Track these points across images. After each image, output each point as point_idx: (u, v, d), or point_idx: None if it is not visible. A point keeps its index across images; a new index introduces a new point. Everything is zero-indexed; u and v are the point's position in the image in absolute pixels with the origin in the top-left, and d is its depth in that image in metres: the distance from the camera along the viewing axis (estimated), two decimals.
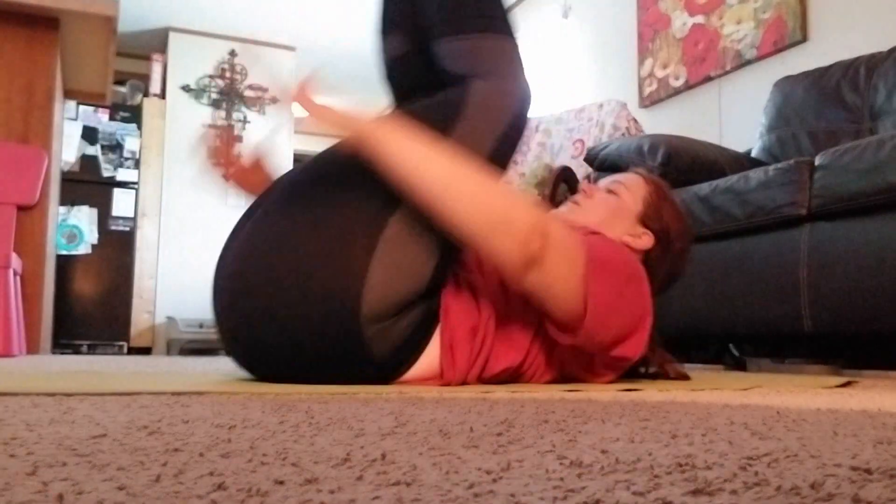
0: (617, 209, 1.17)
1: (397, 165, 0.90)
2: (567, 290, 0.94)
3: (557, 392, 0.90)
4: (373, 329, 0.92)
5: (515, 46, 1.04)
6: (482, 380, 1.02)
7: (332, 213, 0.94)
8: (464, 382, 1.01)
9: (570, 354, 1.04)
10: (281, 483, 0.30)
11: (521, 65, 1.05)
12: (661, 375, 1.24)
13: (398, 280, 0.92)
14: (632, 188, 1.20)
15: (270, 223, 0.96)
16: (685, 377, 1.25)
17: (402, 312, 0.94)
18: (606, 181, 1.24)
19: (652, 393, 0.92)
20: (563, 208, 1.23)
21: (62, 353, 3.89)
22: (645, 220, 1.17)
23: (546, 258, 0.91)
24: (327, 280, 0.90)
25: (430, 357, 0.98)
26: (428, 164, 0.90)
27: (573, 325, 0.96)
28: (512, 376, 1.04)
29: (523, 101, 1.04)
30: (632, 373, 1.24)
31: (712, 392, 0.97)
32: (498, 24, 1.03)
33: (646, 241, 1.16)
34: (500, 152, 1.00)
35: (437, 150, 0.91)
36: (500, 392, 0.87)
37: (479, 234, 0.90)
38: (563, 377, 1.08)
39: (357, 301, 0.90)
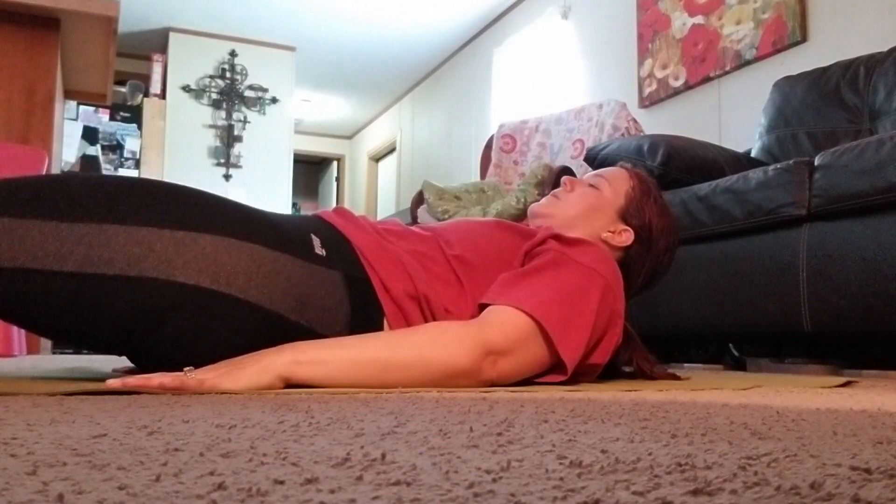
0: (597, 203, 1.16)
1: (328, 381, 0.84)
2: (535, 363, 0.97)
3: (557, 392, 0.90)
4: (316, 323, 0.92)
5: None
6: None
7: None
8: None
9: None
10: (281, 483, 0.30)
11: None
12: (641, 375, 1.22)
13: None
14: (614, 182, 1.18)
15: None
16: (673, 377, 1.24)
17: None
18: (590, 175, 1.22)
19: (652, 393, 0.92)
20: (543, 201, 1.22)
21: (62, 353, 3.89)
22: (625, 216, 1.16)
23: (504, 367, 0.93)
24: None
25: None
26: (351, 369, 0.85)
27: (557, 368, 0.99)
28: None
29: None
30: (611, 373, 1.23)
31: (712, 392, 0.97)
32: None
33: (625, 237, 1.15)
34: None
35: (346, 348, 0.86)
36: (500, 392, 0.87)
37: (438, 385, 0.89)
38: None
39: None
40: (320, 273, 0.93)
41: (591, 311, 0.99)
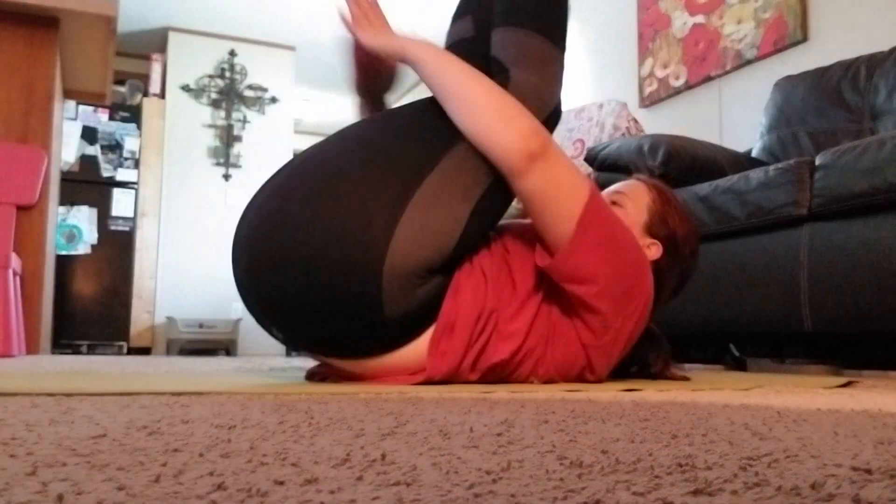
0: (631, 217, 1.16)
1: (430, 65, 1.00)
2: (567, 196, 0.98)
3: (558, 392, 0.90)
4: (391, 285, 0.93)
5: (561, 61, 1.09)
6: (474, 370, 1.02)
7: (370, 163, 0.96)
8: (453, 373, 1.00)
9: (562, 350, 1.04)
10: (281, 483, 0.30)
11: (559, 78, 1.08)
12: (659, 376, 1.23)
13: (424, 240, 0.94)
14: (635, 198, 1.19)
15: (308, 169, 0.98)
16: (685, 378, 1.25)
17: (421, 280, 0.95)
18: (608, 191, 1.23)
19: (652, 393, 0.92)
20: None
21: (62, 354, 3.89)
22: (651, 229, 1.16)
23: (547, 156, 0.97)
24: (356, 228, 0.92)
25: (429, 335, 0.99)
26: (455, 63, 1.00)
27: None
28: (503, 371, 1.04)
29: (554, 110, 1.07)
30: (627, 372, 1.23)
31: (712, 392, 0.97)
32: (552, 32, 1.08)
33: (654, 251, 1.15)
34: None
35: (464, 73, 1.00)
36: (501, 392, 0.87)
37: (486, 117, 0.95)
38: (553, 376, 1.07)
39: (382, 253, 0.92)
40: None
41: (630, 258, 1.01)
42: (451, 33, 1.19)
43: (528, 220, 1.16)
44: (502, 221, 1.15)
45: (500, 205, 1.04)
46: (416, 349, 0.99)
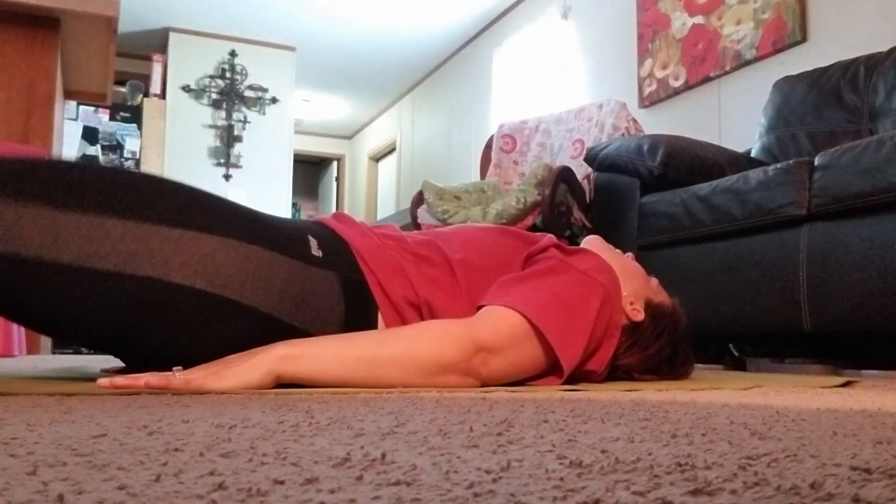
0: (635, 274, 1.16)
1: (318, 376, 0.84)
2: (528, 364, 0.97)
3: (557, 392, 0.90)
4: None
5: None
6: None
7: None
8: None
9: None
10: (281, 483, 0.30)
11: None
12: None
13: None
14: (661, 291, 1.20)
15: None
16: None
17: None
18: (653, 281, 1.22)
19: (651, 393, 0.92)
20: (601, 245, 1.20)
21: (62, 353, 3.89)
22: (647, 308, 1.14)
23: (495, 365, 0.93)
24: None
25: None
26: (341, 363, 0.85)
27: (553, 372, 0.99)
28: None
29: None
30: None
31: (712, 392, 0.97)
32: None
33: (636, 316, 1.12)
34: None
35: (335, 341, 0.87)
36: (500, 392, 0.87)
37: (429, 383, 0.89)
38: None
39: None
40: (317, 274, 0.93)
41: (589, 318, 0.99)
42: None
43: (471, 224, 1.17)
44: (460, 225, 1.16)
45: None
46: None
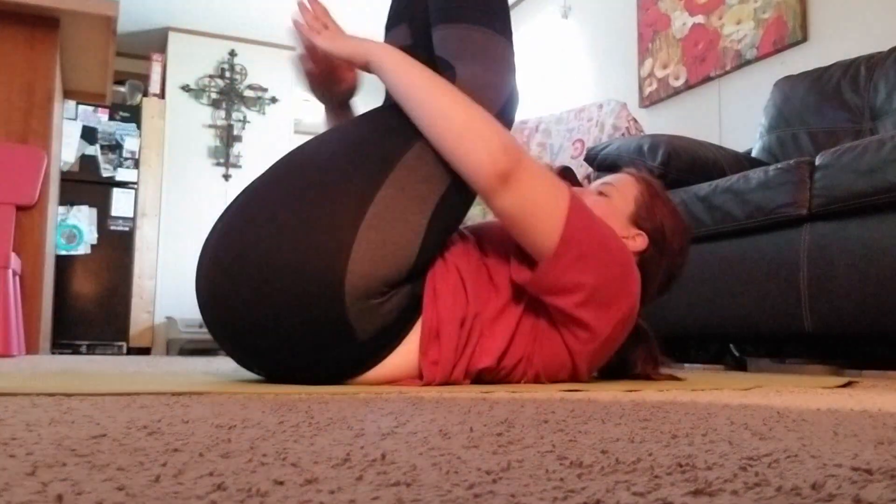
0: (608, 211, 1.15)
1: (393, 72, 0.99)
2: (546, 213, 0.95)
3: (557, 392, 0.90)
4: (357, 307, 0.91)
5: (507, 47, 1.05)
6: (466, 376, 1.01)
7: (318, 189, 0.93)
8: (446, 381, 0.99)
9: (549, 353, 1.03)
10: (281, 483, 0.30)
11: (509, 64, 1.05)
12: (643, 376, 1.21)
13: (383, 258, 0.92)
14: (622, 189, 1.18)
15: (257, 199, 0.96)
16: (672, 378, 1.24)
17: (387, 294, 0.94)
18: (597, 184, 1.22)
19: (652, 393, 0.92)
20: None
21: (61, 353, 3.89)
22: (637, 221, 1.15)
23: (519, 174, 0.94)
24: (311, 256, 0.90)
25: (412, 342, 0.98)
26: (420, 70, 0.98)
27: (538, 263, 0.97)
28: (491, 376, 1.03)
29: (509, 99, 1.03)
30: (620, 372, 1.22)
31: (712, 392, 0.97)
32: (492, 22, 1.05)
33: (640, 242, 1.14)
34: None
35: (427, 81, 0.98)
36: (500, 392, 0.87)
37: (453, 133, 0.93)
38: (541, 378, 1.06)
39: (341, 277, 0.90)
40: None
41: (614, 260, 0.99)
42: (386, 42, 1.17)
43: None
44: (477, 221, 1.14)
45: (460, 208, 1.02)
46: (403, 358, 0.98)
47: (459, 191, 0.98)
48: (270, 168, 1.01)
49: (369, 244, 0.91)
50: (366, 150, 0.97)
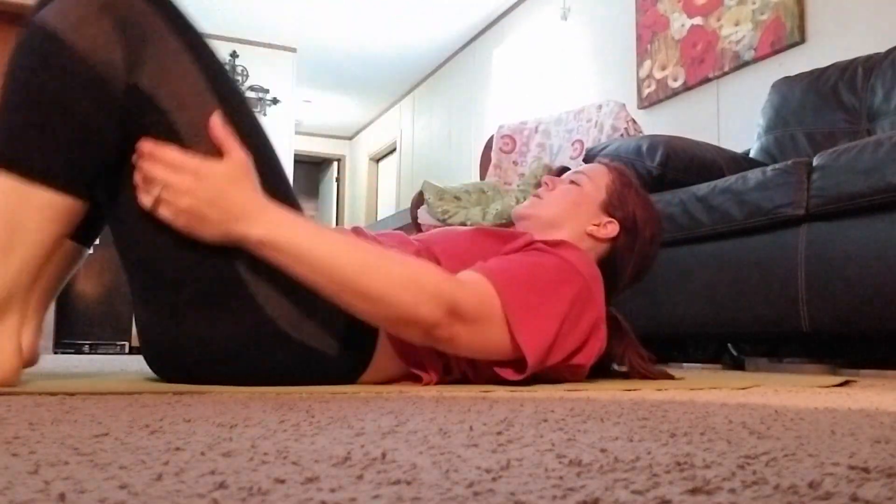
0: (579, 199, 1.15)
1: (288, 268, 0.82)
2: (493, 345, 0.92)
3: (556, 391, 0.90)
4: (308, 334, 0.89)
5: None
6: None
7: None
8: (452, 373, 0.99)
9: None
10: (282, 482, 0.30)
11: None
12: (635, 373, 1.21)
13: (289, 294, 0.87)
14: (594, 177, 1.18)
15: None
16: (668, 376, 1.24)
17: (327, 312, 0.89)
18: (569, 173, 1.23)
19: (650, 392, 0.92)
20: (525, 203, 1.21)
21: (64, 353, 3.89)
22: (609, 209, 1.15)
23: (460, 332, 0.88)
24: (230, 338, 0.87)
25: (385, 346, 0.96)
26: (317, 271, 0.82)
27: (519, 363, 0.94)
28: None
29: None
30: (603, 371, 1.21)
31: (711, 391, 0.97)
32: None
33: (611, 229, 1.14)
34: None
35: (324, 247, 0.83)
36: (500, 391, 0.87)
37: (385, 322, 0.88)
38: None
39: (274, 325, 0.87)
40: None
41: (561, 304, 0.95)
42: None
43: (453, 229, 1.16)
44: (431, 231, 1.15)
45: None
46: (391, 360, 0.98)
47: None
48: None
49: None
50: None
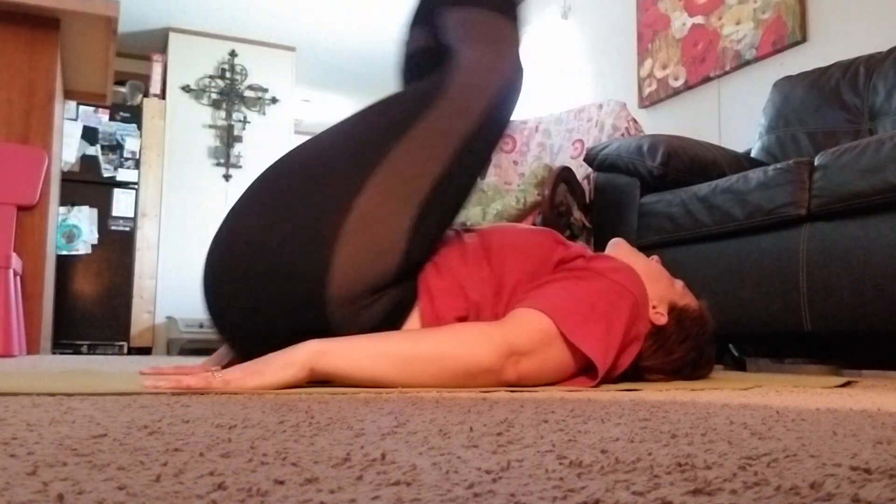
0: (657, 275, 1.16)
1: (353, 372, 0.86)
2: (559, 365, 0.98)
3: (557, 392, 0.90)
4: (342, 312, 0.92)
5: (513, 27, 1.03)
6: None
7: (301, 196, 0.94)
8: None
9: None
10: (281, 483, 0.30)
11: (515, 44, 1.03)
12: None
13: (366, 262, 0.92)
14: (678, 285, 1.20)
15: (248, 207, 0.97)
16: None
17: (374, 296, 0.94)
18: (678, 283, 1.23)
19: (651, 393, 0.92)
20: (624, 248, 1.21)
21: (62, 353, 3.89)
22: (672, 309, 1.14)
23: (526, 367, 0.94)
24: (294, 263, 0.91)
25: None
26: (375, 359, 0.87)
27: (587, 371, 1.00)
28: None
29: (513, 80, 1.01)
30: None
31: (712, 392, 0.97)
32: (497, 3, 1.03)
33: (660, 319, 1.12)
34: (483, 131, 0.99)
35: (369, 340, 0.89)
36: (500, 392, 0.87)
37: (461, 384, 0.91)
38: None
39: (323, 283, 0.91)
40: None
41: (622, 323, 1.01)
42: (403, 44, 1.15)
43: (511, 224, 1.17)
44: (475, 222, 1.15)
45: (450, 209, 1.00)
46: None
47: (449, 190, 0.97)
48: (273, 163, 1.02)
49: (350, 251, 0.91)
50: (350, 150, 0.97)
